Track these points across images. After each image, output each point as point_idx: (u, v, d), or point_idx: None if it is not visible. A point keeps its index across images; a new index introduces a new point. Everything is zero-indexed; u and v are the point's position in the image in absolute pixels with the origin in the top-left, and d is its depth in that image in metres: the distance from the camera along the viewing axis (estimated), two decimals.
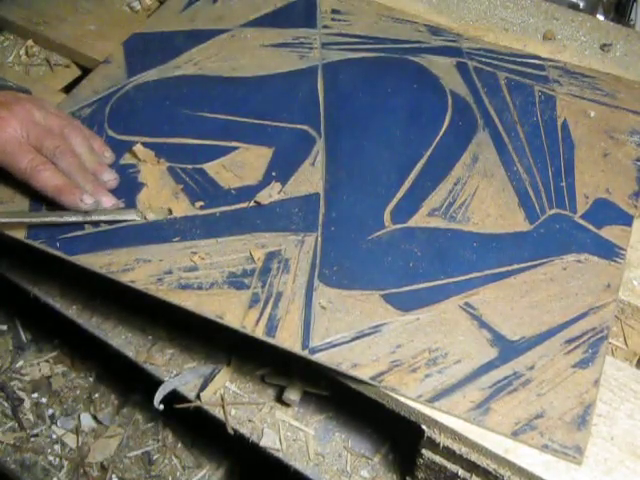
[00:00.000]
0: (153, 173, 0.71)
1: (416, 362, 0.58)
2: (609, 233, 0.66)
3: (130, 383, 1.05)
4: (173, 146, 0.74)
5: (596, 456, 0.54)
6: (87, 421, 1.03)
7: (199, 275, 0.63)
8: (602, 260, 0.64)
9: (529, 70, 0.81)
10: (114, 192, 0.69)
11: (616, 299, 0.61)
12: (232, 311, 0.61)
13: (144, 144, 0.73)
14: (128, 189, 0.70)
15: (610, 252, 0.64)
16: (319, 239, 0.65)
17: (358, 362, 0.58)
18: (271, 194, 0.69)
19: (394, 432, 0.73)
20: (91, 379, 1.08)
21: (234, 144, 0.74)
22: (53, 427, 1.03)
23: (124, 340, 0.79)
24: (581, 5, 1.01)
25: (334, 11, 0.88)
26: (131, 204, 0.69)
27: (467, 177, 0.70)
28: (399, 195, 0.69)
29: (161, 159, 0.72)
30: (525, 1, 0.92)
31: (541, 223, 0.67)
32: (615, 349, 0.64)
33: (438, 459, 0.60)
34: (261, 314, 0.61)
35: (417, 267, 0.63)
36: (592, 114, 0.76)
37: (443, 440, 0.57)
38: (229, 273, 0.63)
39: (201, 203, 0.68)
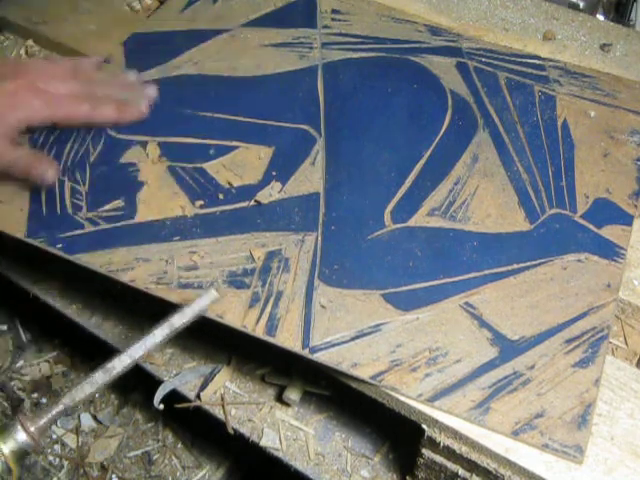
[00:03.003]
0: (153, 172, 0.71)
1: (416, 361, 0.58)
2: (609, 233, 0.66)
3: (130, 383, 1.06)
4: (173, 145, 0.74)
5: (596, 456, 0.54)
6: (87, 421, 1.04)
7: (199, 274, 0.63)
8: (602, 260, 0.64)
9: (529, 70, 0.81)
10: (115, 190, 0.69)
11: (616, 299, 0.61)
12: (232, 310, 0.61)
13: (144, 143, 0.73)
14: (128, 188, 0.70)
15: (610, 252, 0.64)
16: (319, 238, 0.65)
17: (358, 361, 0.58)
18: (271, 193, 0.69)
19: (394, 432, 0.73)
20: None
21: (234, 143, 0.73)
22: (53, 427, 1.03)
23: (124, 340, 0.79)
24: (581, 5, 1.01)
25: (334, 11, 0.88)
26: (129, 202, 0.69)
27: (467, 177, 0.70)
28: (399, 195, 0.69)
29: (161, 158, 0.72)
30: (525, 1, 0.92)
31: (541, 223, 0.67)
32: (615, 349, 0.64)
33: (438, 459, 0.60)
34: (261, 313, 0.60)
35: (417, 267, 0.63)
36: (592, 114, 0.76)
37: (443, 439, 0.57)
38: (229, 272, 0.63)
39: (201, 202, 0.68)
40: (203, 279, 0.63)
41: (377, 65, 0.81)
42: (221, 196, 0.69)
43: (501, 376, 0.57)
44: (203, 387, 0.75)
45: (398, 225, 0.67)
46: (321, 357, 0.58)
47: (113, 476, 1.00)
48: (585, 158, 0.72)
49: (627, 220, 0.67)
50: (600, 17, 1.08)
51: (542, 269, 0.63)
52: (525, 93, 0.78)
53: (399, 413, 0.59)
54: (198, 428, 1.01)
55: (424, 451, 0.60)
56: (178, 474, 1.01)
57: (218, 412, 0.74)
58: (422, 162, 0.72)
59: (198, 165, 0.72)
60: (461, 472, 0.59)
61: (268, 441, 0.72)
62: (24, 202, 0.69)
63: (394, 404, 0.58)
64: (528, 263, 0.64)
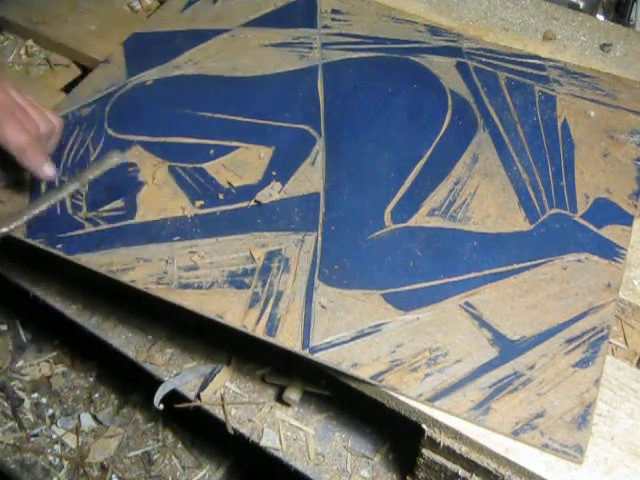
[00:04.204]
0: (153, 172, 0.71)
1: (416, 361, 0.58)
2: (609, 233, 0.66)
3: (130, 383, 1.06)
4: (173, 145, 0.74)
5: (596, 456, 0.54)
6: (87, 421, 1.04)
7: (199, 274, 0.63)
8: (602, 260, 0.64)
9: (529, 70, 0.81)
10: (115, 190, 0.69)
11: (616, 299, 0.61)
12: (232, 310, 0.61)
13: (144, 143, 0.73)
14: (128, 188, 0.70)
15: (610, 252, 0.64)
16: (319, 238, 0.65)
17: (358, 361, 0.58)
18: (271, 193, 0.69)
19: (394, 432, 0.73)
20: (91, 379, 1.08)
21: (234, 144, 0.74)
22: (53, 427, 1.03)
23: (124, 340, 0.79)
24: (581, 5, 1.01)
25: (334, 11, 0.88)
26: (131, 203, 0.69)
27: (467, 177, 0.70)
28: (399, 195, 0.69)
29: (161, 158, 0.72)
30: (525, 1, 0.92)
31: (541, 223, 0.67)
32: (615, 349, 0.64)
33: (438, 458, 0.60)
34: (261, 313, 0.60)
35: (417, 267, 0.63)
36: (592, 114, 0.76)
37: (443, 439, 0.57)
38: (229, 272, 0.63)
39: (201, 202, 0.68)
40: (203, 279, 0.63)
41: (377, 65, 0.81)
42: (221, 196, 0.69)
43: (501, 376, 0.57)
44: (203, 387, 0.75)
45: (398, 225, 0.66)
46: (321, 357, 0.58)
47: (113, 476, 1.00)
48: (585, 158, 0.72)
49: (627, 220, 0.67)
50: (600, 17, 1.08)
51: (542, 269, 0.63)
52: (525, 93, 0.78)
53: (399, 413, 0.59)
54: (198, 428, 1.01)
55: (424, 451, 0.60)
56: (178, 474, 1.01)
57: (218, 412, 0.74)
58: (422, 162, 0.72)
59: (198, 165, 0.72)
60: (461, 472, 0.59)
61: (268, 441, 0.72)
62: (24, 202, 0.69)
63: (394, 404, 0.58)
64: (528, 263, 0.64)
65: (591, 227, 0.66)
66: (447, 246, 0.65)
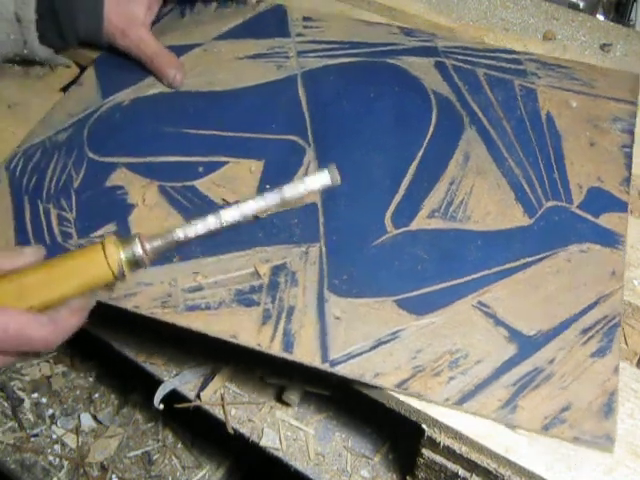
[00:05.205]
0: (143, 193, 0.69)
1: (438, 366, 0.57)
2: (607, 221, 0.67)
3: (130, 383, 1.06)
4: (160, 165, 0.72)
5: (596, 456, 0.54)
6: (87, 421, 1.04)
7: (205, 295, 0.61)
8: (604, 248, 0.65)
9: (506, 65, 0.81)
10: (105, 215, 0.67)
11: (622, 286, 0.62)
12: (245, 329, 0.59)
13: (129, 165, 0.71)
14: (118, 211, 0.68)
15: (610, 239, 0.65)
16: (323, 249, 0.64)
17: (380, 371, 0.57)
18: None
19: (394, 432, 0.73)
20: (91, 379, 1.08)
21: (223, 159, 0.72)
22: (53, 427, 1.03)
23: (124, 340, 0.78)
24: (581, 5, 1.02)
25: (305, 18, 0.88)
26: (123, 226, 0.67)
27: (461, 176, 0.70)
28: (397, 199, 0.68)
29: (149, 179, 0.70)
30: (525, 1, 0.93)
31: (540, 216, 0.67)
32: None
33: (438, 459, 0.60)
34: (275, 330, 0.59)
35: (425, 270, 0.63)
36: (574, 104, 0.77)
37: (443, 439, 0.57)
38: (236, 291, 0.62)
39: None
40: (210, 299, 0.61)
41: (356, 70, 0.81)
42: None
43: (523, 373, 0.57)
44: (203, 387, 0.75)
45: (400, 230, 0.66)
46: (342, 370, 0.57)
47: (113, 476, 0.99)
48: (573, 148, 0.73)
49: (622, 207, 0.68)
50: (600, 17, 1.09)
51: (548, 262, 0.64)
52: (506, 88, 0.79)
53: (399, 413, 0.58)
54: (198, 428, 1.01)
55: (424, 451, 0.60)
56: (178, 474, 1.00)
57: (218, 412, 0.74)
58: (415, 164, 0.71)
59: (188, 183, 0.70)
60: (461, 472, 0.59)
61: (268, 441, 0.72)
62: (8, 233, 0.66)
63: (394, 404, 0.58)
64: (534, 257, 0.64)
65: (589, 217, 0.67)
66: (452, 247, 0.65)
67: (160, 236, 0.57)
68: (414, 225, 0.67)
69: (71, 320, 0.56)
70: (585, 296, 0.61)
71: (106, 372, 1.07)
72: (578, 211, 0.67)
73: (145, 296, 0.61)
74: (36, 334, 0.53)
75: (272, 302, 0.61)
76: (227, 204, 0.68)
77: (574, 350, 0.58)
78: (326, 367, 0.57)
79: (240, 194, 0.69)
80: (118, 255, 0.55)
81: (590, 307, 0.61)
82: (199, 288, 0.62)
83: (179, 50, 0.83)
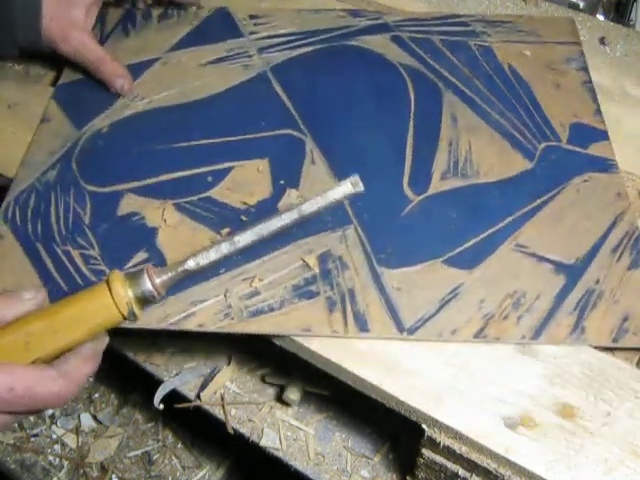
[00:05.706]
0: (161, 215, 0.68)
1: (504, 309, 0.61)
2: (596, 150, 0.73)
3: (130, 383, 1.06)
4: (166, 183, 0.71)
5: (596, 456, 0.54)
6: (87, 421, 1.04)
7: (265, 297, 0.62)
8: (603, 174, 0.71)
9: (456, 29, 0.86)
10: (131, 244, 0.65)
11: (630, 203, 0.68)
12: (316, 321, 0.60)
13: (134, 190, 0.70)
14: (143, 237, 0.66)
15: (605, 165, 0.71)
16: (359, 229, 0.66)
17: (455, 327, 0.60)
18: (291, 201, 0.68)
19: (394, 432, 0.75)
20: (91, 379, 1.07)
21: (227, 165, 0.72)
22: (53, 427, 1.02)
23: (124, 340, 0.78)
24: (581, 5, 1.03)
25: (252, 17, 0.88)
26: (152, 250, 0.65)
27: (457, 136, 0.74)
28: (407, 170, 0.71)
29: (162, 199, 0.69)
30: (525, 1, 0.94)
31: (539, 158, 0.72)
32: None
33: (438, 458, 0.60)
34: (345, 315, 0.61)
35: (459, 227, 0.66)
36: (528, 53, 0.83)
37: (443, 439, 0.57)
38: (293, 286, 0.62)
39: (227, 229, 0.66)
40: (271, 300, 0.61)
41: (321, 57, 0.83)
42: (244, 217, 0.67)
43: (579, 297, 0.62)
44: (203, 387, 0.75)
45: (422, 196, 0.69)
46: (421, 335, 0.59)
47: (113, 476, 0.99)
48: (543, 92, 0.78)
49: (604, 136, 0.74)
50: (600, 17, 1.10)
51: (561, 197, 0.69)
52: (464, 50, 0.83)
53: (399, 413, 0.59)
54: (198, 428, 1.01)
55: (424, 451, 0.61)
56: (178, 474, 1.01)
57: (218, 412, 0.74)
58: (410, 134, 0.74)
59: (203, 195, 0.69)
60: (461, 472, 0.60)
61: (268, 441, 0.73)
62: (35, 284, 0.63)
63: (394, 404, 0.59)
64: (547, 195, 0.69)
65: (580, 150, 0.73)
66: (474, 201, 0.69)
67: (170, 268, 0.56)
68: (432, 189, 0.70)
69: (83, 369, 0.53)
70: (603, 219, 0.67)
71: (106, 372, 1.06)
72: (569, 146, 0.73)
73: (205, 313, 0.61)
74: (46, 391, 0.51)
75: (331, 289, 0.62)
76: (248, 206, 0.68)
77: (613, 268, 0.63)
78: (405, 336, 0.59)
79: (258, 195, 0.69)
80: (126, 293, 0.53)
81: (610, 228, 0.66)
82: (256, 293, 0.62)
83: (137, 68, 0.81)
